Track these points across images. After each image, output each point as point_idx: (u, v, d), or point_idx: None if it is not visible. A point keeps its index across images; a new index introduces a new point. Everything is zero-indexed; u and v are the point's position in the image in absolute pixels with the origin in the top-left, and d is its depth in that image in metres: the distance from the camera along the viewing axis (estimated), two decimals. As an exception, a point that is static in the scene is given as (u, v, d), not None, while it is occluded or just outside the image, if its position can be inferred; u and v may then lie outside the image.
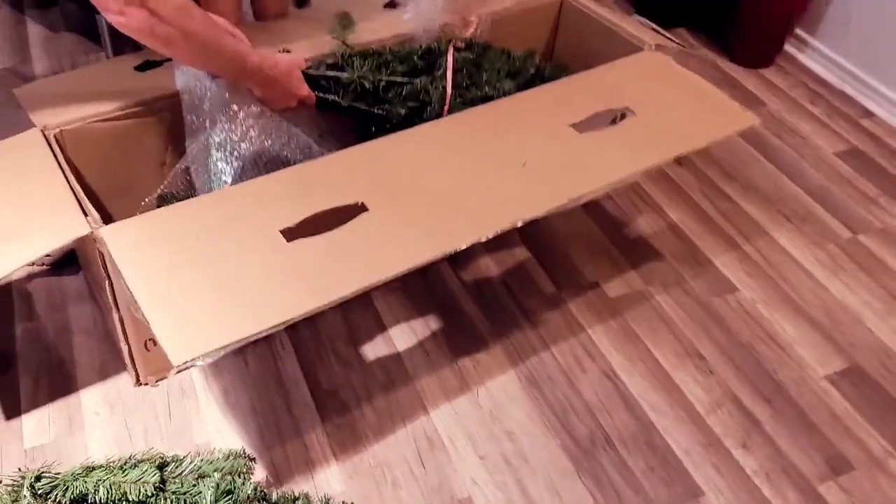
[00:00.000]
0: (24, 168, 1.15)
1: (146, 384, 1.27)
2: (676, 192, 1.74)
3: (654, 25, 1.62)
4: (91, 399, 1.25)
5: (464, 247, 1.09)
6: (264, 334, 0.95)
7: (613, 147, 1.27)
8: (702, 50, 2.22)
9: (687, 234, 1.63)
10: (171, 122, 1.34)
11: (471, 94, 1.39)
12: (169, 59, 1.38)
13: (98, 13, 1.97)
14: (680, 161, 1.79)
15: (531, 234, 1.59)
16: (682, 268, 1.55)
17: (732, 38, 2.21)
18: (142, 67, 1.37)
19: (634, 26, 1.57)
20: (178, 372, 1.28)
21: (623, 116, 1.36)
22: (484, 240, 1.10)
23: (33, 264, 1.41)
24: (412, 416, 1.26)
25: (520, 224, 1.13)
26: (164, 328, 0.94)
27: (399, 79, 1.36)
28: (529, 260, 1.55)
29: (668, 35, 1.57)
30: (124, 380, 1.28)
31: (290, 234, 1.07)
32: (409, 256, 1.06)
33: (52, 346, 1.32)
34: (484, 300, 1.46)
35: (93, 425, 1.21)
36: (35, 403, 1.24)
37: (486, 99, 1.38)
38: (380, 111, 1.35)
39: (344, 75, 1.32)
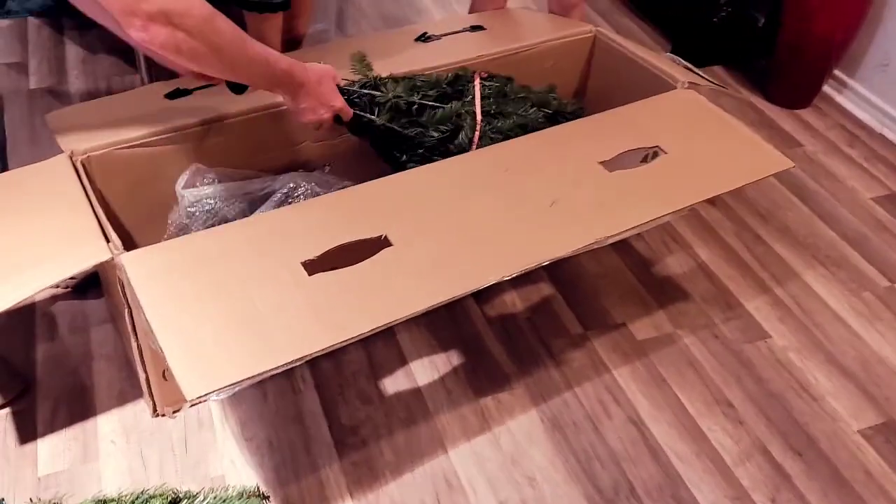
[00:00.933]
0: (50, 193, 1.16)
1: (163, 415, 1.25)
2: (708, 232, 1.70)
3: (688, 64, 1.60)
4: (108, 426, 1.23)
5: (487, 285, 1.06)
6: (282, 370, 0.94)
7: (643, 187, 1.24)
8: (737, 89, 2.19)
9: (718, 276, 1.59)
10: (197, 151, 1.34)
11: (499, 122, 1.38)
12: (200, 88, 1.39)
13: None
14: (712, 201, 1.75)
15: (558, 271, 1.56)
16: (713, 311, 1.51)
17: (769, 78, 2.18)
18: (171, 95, 1.38)
19: (668, 64, 1.55)
20: (194, 405, 1.27)
21: (654, 155, 1.34)
22: (508, 278, 1.08)
23: (57, 286, 1.42)
24: (431, 457, 1.23)
25: (546, 263, 1.11)
26: (179, 361, 0.92)
27: (432, 102, 1.35)
28: (556, 298, 1.52)
29: (701, 73, 1.55)
30: (142, 407, 1.26)
31: (312, 266, 1.05)
32: (432, 294, 1.04)
33: (73, 370, 1.32)
34: (508, 338, 1.43)
35: (108, 454, 1.20)
36: (52, 428, 1.23)
37: (517, 126, 1.37)
38: (413, 133, 1.33)
39: (379, 94, 1.31)
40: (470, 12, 1.82)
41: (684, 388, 1.36)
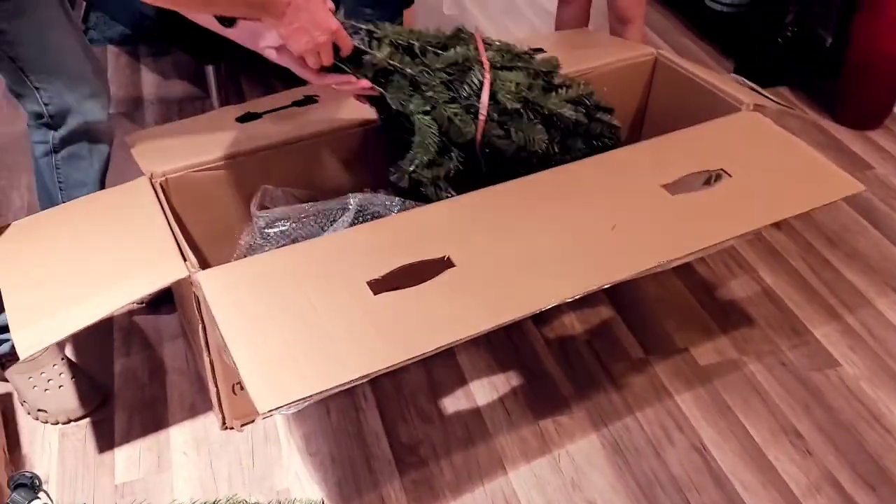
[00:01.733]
0: (131, 213, 1.22)
1: (231, 428, 1.29)
2: (773, 256, 1.67)
3: (753, 84, 1.58)
4: (180, 438, 1.28)
5: (549, 307, 1.07)
6: (348, 386, 0.96)
7: (706, 210, 1.23)
8: (804, 110, 2.16)
9: (784, 302, 1.56)
10: (267, 172, 1.39)
11: (510, 80, 1.27)
12: (269, 111, 1.44)
13: (206, 64, 2.10)
14: (778, 225, 1.72)
15: (618, 294, 1.56)
16: (779, 337, 1.48)
17: (837, 98, 2.14)
18: (242, 119, 1.44)
19: (732, 85, 1.54)
20: (264, 418, 1.30)
21: (718, 178, 1.33)
22: (569, 300, 1.08)
23: (134, 302, 1.48)
24: (491, 476, 1.24)
25: (607, 286, 1.11)
26: (252, 375, 0.96)
27: (433, 48, 1.25)
28: (616, 321, 1.52)
29: (767, 95, 1.53)
30: (212, 420, 1.31)
31: (377, 286, 1.08)
32: (494, 315, 1.06)
33: (147, 383, 1.37)
34: (567, 361, 1.43)
35: (180, 465, 1.24)
36: (128, 438, 1.28)
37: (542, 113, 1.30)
38: (417, 71, 1.22)
39: (377, 31, 1.22)
40: (556, 30, 1.84)
41: (750, 416, 1.33)
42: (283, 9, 1.06)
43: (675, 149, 1.39)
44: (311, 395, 0.94)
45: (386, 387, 1.37)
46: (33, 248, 1.18)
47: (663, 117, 1.68)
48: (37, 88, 1.25)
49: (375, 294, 1.07)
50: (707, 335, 1.48)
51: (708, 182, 1.33)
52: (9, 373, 1.32)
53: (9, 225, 1.23)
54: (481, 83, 1.24)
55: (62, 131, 1.30)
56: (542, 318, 1.51)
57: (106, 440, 1.28)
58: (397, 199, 1.42)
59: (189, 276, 1.09)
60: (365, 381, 0.97)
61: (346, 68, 1.19)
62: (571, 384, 1.39)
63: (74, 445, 1.27)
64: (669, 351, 1.45)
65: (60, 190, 1.35)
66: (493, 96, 1.24)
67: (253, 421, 1.30)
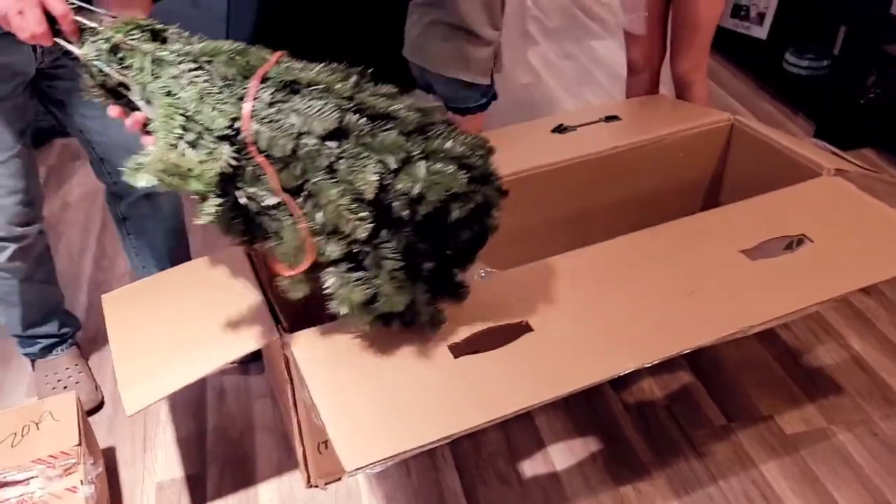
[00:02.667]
0: (227, 279, 1.30)
1: (316, 486, 1.34)
2: (861, 321, 1.63)
3: (834, 149, 1.58)
4: (267, 494, 1.33)
5: (626, 372, 1.08)
6: (432, 447, 0.99)
7: (788, 276, 1.23)
8: (891, 173, 2.11)
9: (874, 369, 1.51)
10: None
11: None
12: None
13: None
14: (867, 289, 1.68)
15: (698, 359, 1.55)
16: (870, 406, 1.43)
17: (925, 160, 2.09)
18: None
19: (812, 150, 1.54)
20: (350, 476, 1.34)
21: (799, 243, 1.32)
22: (648, 365, 1.09)
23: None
24: (569, 543, 1.24)
25: (685, 352, 1.12)
26: (340, 435, 1.00)
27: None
28: (696, 387, 1.50)
29: (849, 158, 1.52)
30: (297, 478, 1.36)
31: (458, 349, 1.12)
32: (572, 379, 1.08)
33: (237, 439, 1.44)
34: (647, 426, 1.43)
35: (266, 520, 1.29)
36: (219, 493, 1.34)
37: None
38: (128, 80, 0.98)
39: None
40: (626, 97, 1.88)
41: (840, 488, 1.29)
42: None
43: (754, 214, 1.39)
44: (395, 455, 0.98)
45: (465, 448, 1.39)
46: (139, 312, 1.27)
47: (741, 184, 1.68)
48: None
49: (456, 357, 1.10)
50: (793, 403, 1.45)
51: (789, 247, 1.32)
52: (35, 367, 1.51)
53: (117, 291, 1.33)
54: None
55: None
56: (620, 383, 1.51)
57: (199, 495, 1.34)
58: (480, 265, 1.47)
59: (280, 338, 1.16)
60: (447, 441, 0.99)
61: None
62: (651, 450, 1.38)
63: (170, 499, 1.33)
64: (753, 419, 1.42)
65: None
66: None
67: (337, 479, 1.34)
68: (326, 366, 1.10)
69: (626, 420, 1.44)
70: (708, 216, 1.47)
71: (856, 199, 1.39)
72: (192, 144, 0.93)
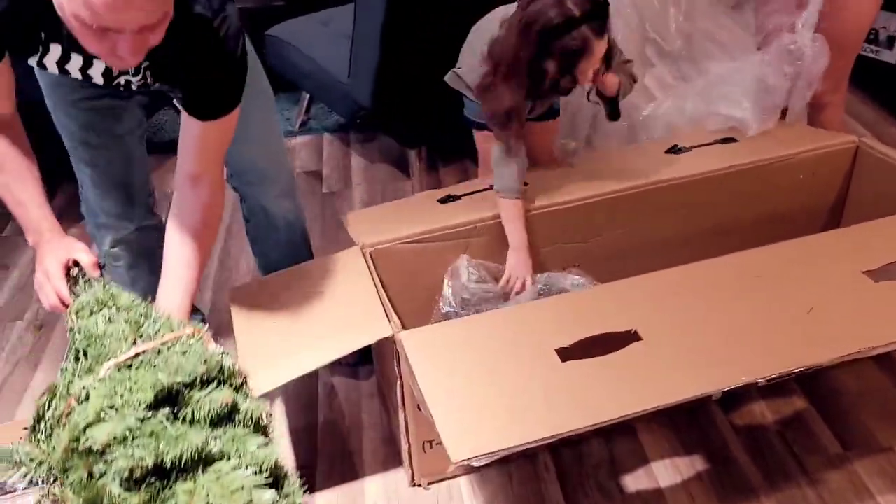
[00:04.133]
0: (345, 278, 1.37)
1: (419, 485, 1.37)
2: None
3: (969, 174, 1.50)
4: (372, 489, 1.37)
5: (738, 385, 1.06)
6: (535, 445, 1.01)
7: (916, 299, 1.18)
8: None
9: None
10: (463, 248, 1.51)
11: None
12: (469, 194, 1.57)
13: (410, 147, 2.29)
14: None
15: (813, 385, 1.49)
16: None
17: None
18: (443, 200, 1.58)
19: (944, 174, 1.47)
20: (452, 472, 1.36)
21: (928, 267, 1.26)
22: (760, 381, 1.07)
23: (338, 362, 1.62)
24: (672, 560, 1.21)
25: (800, 369, 1.09)
26: (446, 426, 1.03)
27: None
28: (811, 413, 1.44)
29: None
30: (402, 476, 1.39)
31: (565, 354, 1.13)
32: (680, 389, 1.07)
33: (346, 436, 1.49)
34: (757, 449, 1.38)
35: (371, 514, 1.34)
36: (328, 485, 1.39)
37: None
38: None
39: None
40: None
41: (968, 526, 1.21)
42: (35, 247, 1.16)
43: (879, 236, 1.34)
44: (500, 450, 1.00)
45: (567, 459, 1.39)
46: (262, 305, 1.35)
47: (865, 208, 1.62)
48: None
49: (563, 361, 1.12)
50: (916, 435, 1.38)
51: (917, 270, 1.27)
52: None
53: (243, 286, 1.42)
54: None
55: None
56: (730, 404, 1.47)
57: (308, 484, 1.38)
58: (585, 278, 1.48)
59: (393, 335, 1.20)
60: (550, 441, 1.01)
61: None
62: (761, 474, 1.33)
63: (281, 485, 1.40)
64: (871, 448, 1.36)
65: None
66: None
67: (441, 480, 1.37)
68: (436, 361, 1.14)
69: (736, 442, 1.40)
70: (829, 236, 1.43)
71: None
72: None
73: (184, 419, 0.91)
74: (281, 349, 1.25)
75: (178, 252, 1.17)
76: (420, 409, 1.19)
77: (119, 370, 0.96)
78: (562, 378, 1.09)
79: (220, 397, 0.93)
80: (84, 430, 0.87)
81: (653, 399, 1.06)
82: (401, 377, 1.25)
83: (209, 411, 0.92)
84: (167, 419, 0.90)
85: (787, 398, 1.48)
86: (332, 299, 1.33)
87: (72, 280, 1.14)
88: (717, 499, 1.30)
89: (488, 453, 1.00)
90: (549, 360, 1.12)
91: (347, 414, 1.54)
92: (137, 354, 0.98)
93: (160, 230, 1.24)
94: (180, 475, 0.86)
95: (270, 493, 0.86)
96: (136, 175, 1.42)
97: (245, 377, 1.05)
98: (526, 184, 1.51)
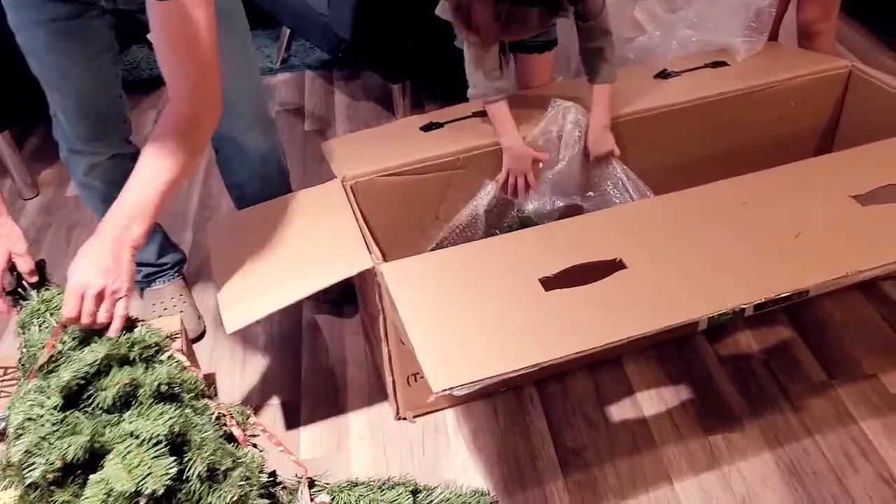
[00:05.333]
0: (325, 211, 1.34)
1: (404, 418, 1.37)
2: (983, 283, 1.52)
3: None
4: (357, 423, 1.37)
5: (723, 311, 1.05)
6: (518, 374, 1.00)
7: (902, 223, 1.16)
8: None
9: None
10: (447, 180, 1.47)
11: None
12: (452, 121, 1.53)
13: (394, 83, 2.23)
14: None
15: (800, 316, 1.48)
16: None
17: None
18: (426, 128, 1.53)
19: (937, 99, 1.44)
20: (437, 404, 1.36)
21: (919, 192, 1.24)
22: (746, 307, 1.05)
23: (320, 299, 1.61)
24: (656, 486, 1.22)
25: (785, 294, 1.07)
26: (428, 356, 1.01)
27: None
28: (796, 342, 1.44)
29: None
30: (387, 410, 1.39)
31: (549, 283, 1.11)
32: (665, 315, 1.05)
33: (330, 372, 1.48)
34: (741, 379, 1.38)
35: (357, 448, 1.33)
36: (312, 420, 1.39)
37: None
38: None
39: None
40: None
41: (950, 449, 1.22)
42: None
43: (868, 161, 1.32)
44: (482, 379, 0.99)
45: (553, 392, 1.39)
46: (241, 238, 1.32)
47: (857, 134, 1.59)
48: None
49: (547, 290, 1.10)
50: (901, 362, 1.38)
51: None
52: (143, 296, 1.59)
53: (222, 218, 1.39)
54: None
55: None
56: (715, 335, 1.46)
57: (293, 421, 1.39)
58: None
59: (373, 267, 1.18)
60: (535, 372, 0.99)
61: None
62: (745, 402, 1.34)
63: (266, 422, 1.39)
64: (856, 376, 1.36)
65: None
66: None
67: (426, 413, 1.36)
68: (417, 292, 1.12)
69: (720, 372, 1.40)
70: (817, 162, 1.41)
71: (984, 149, 1.30)
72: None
73: (92, 411, 0.91)
74: (259, 283, 1.22)
75: (151, 155, 1.09)
76: (403, 343, 1.17)
77: (45, 377, 0.96)
78: (545, 307, 1.08)
79: (118, 380, 0.92)
80: (11, 447, 0.89)
81: (637, 326, 1.04)
82: (383, 310, 1.24)
83: (109, 397, 0.91)
84: (83, 414, 0.91)
85: (773, 327, 1.47)
86: (312, 233, 1.31)
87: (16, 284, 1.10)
88: (701, 427, 1.30)
89: (470, 382, 0.98)
90: (532, 290, 1.10)
91: (331, 351, 1.52)
92: (52, 357, 0.97)
93: (136, 160, 1.20)
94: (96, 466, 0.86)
95: (168, 461, 0.85)
96: (107, 100, 1.37)
97: (175, 346, 1.05)
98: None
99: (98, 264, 1.02)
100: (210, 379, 1.48)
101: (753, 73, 1.62)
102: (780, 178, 1.29)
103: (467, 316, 1.07)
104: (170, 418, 0.88)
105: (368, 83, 2.44)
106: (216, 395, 1.33)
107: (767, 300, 1.08)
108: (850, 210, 1.19)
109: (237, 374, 1.49)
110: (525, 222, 1.52)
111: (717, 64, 1.67)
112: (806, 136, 1.69)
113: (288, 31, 2.52)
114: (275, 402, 1.43)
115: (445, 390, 0.98)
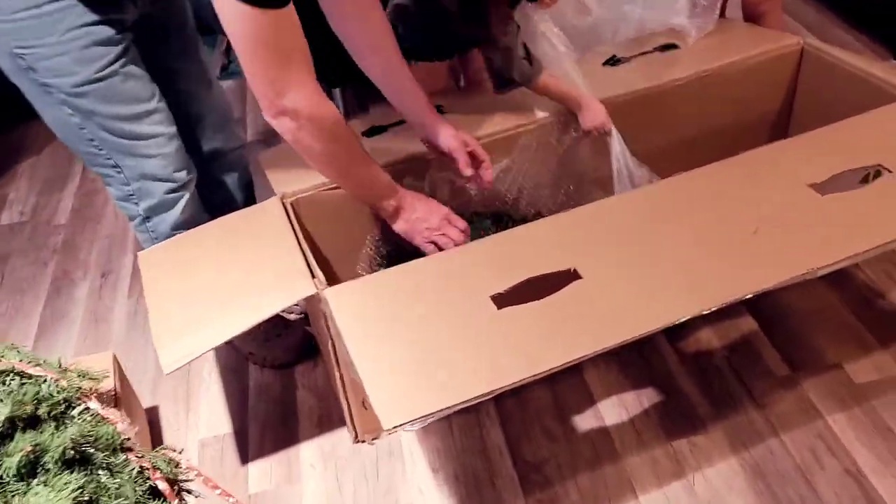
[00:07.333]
0: (264, 233, 1.26)
1: (363, 441, 1.30)
2: (942, 261, 1.51)
3: (917, 68, 1.43)
4: (308, 451, 1.31)
5: (683, 319, 1.01)
6: (472, 403, 0.94)
7: (862, 211, 1.12)
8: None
9: (955, 313, 1.40)
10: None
11: None
12: (394, 124, 1.46)
13: (332, 87, 2.15)
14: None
15: (761, 305, 1.45)
16: (950, 352, 1.33)
17: None
18: (368, 133, 1.46)
19: (890, 72, 1.40)
20: (390, 433, 1.30)
21: (876, 175, 1.20)
22: (706, 312, 1.01)
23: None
24: (619, 499, 1.18)
25: (748, 297, 1.03)
26: (378, 391, 0.95)
27: None
28: (758, 336, 1.41)
29: (933, 80, 1.38)
30: (338, 435, 1.33)
31: (501, 300, 1.05)
32: (622, 329, 1.00)
33: (279, 398, 1.41)
34: (704, 378, 1.35)
35: (308, 477, 1.27)
36: (261, 451, 1.32)
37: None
38: None
39: None
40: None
41: (915, 440, 1.20)
42: (400, 222, 1.22)
43: (825, 145, 1.27)
44: (435, 412, 0.93)
45: (510, 405, 1.34)
46: (175, 268, 1.23)
47: (813, 113, 1.56)
48: None
49: (499, 308, 1.04)
50: (864, 350, 1.35)
51: (864, 180, 1.21)
52: None
53: (153, 248, 1.30)
54: None
55: None
56: (676, 333, 1.43)
57: (241, 452, 1.32)
58: None
59: (317, 294, 1.11)
60: (489, 398, 0.94)
61: None
62: (708, 403, 1.30)
63: (212, 456, 1.32)
64: (820, 368, 1.33)
65: None
66: None
67: (381, 436, 1.31)
68: (364, 319, 1.05)
69: (682, 372, 1.36)
70: (772, 149, 1.36)
71: (939, 125, 1.27)
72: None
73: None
74: (195, 318, 1.14)
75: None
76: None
77: None
78: (499, 327, 1.02)
79: (20, 447, 0.83)
80: None
81: (594, 342, 0.99)
82: (332, 336, 1.17)
83: (13, 466, 0.82)
84: None
85: (735, 320, 1.44)
86: (251, 258, 1.22)
87: None
88: (664, 432, 1.26)
89: (423, 416, 0.93)
90: (484, 309, 1.04)
91: (280, 375, 1.45)
92: None
93: None
94: None
95: None
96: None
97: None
98: (440, 107, 1.39)
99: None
100: (153, 412, 1.40)
101: (706, 56, 1.57)
102: (736, 169, 1.24)
103: (419, 343, 1.01)
104: (77, 488, 0.80)
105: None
106: (157, 431, 1.26)
107: (725, 305, 1.03)
108: (809, 200, 1.15)
109: (182, 405, 1.42)
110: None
111: (667, 47, 1.61)
112: (762, 120, 1.66)
113: (226, 38, 2.41)
114: (222, 433, 1.36)
115: (397, 427, 0.92)
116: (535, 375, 0.96)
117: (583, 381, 1.36)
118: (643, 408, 1.31)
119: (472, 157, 1.26)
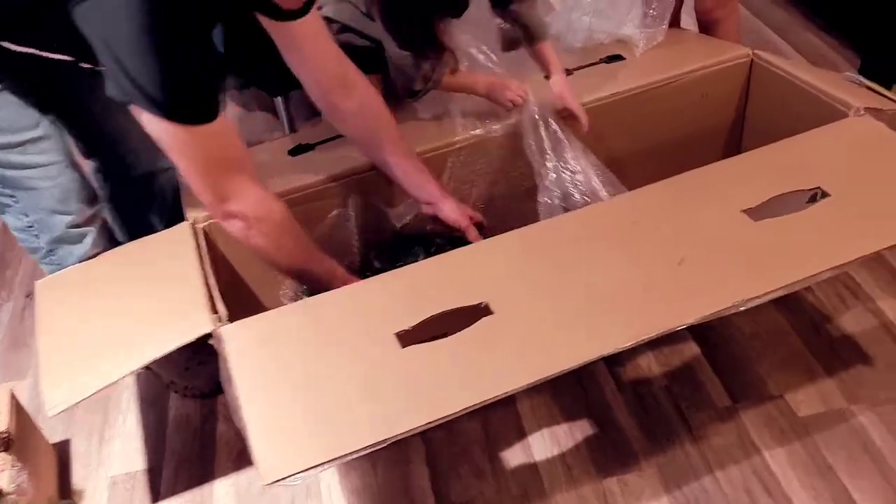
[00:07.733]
0: (168, 262, 1.19)
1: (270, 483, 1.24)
2: (896, 282, 1.44)
3: (871, 83, 1.36)
4: (222, 490, 1.25)
5: (596, 359, 0.94)
6: (366, 452, 0.88)
7: (796, 238, 1.06)
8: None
9: (908, 338, 1.33)
10: (317, 211, 1.34)
11: None
12: (322, 142, 1.40)
13: (276, 96, 2.08)
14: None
15: (704, 331, 1.39)
16: (899, 382, 1.26)
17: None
18: (294, 151, 1.39)
19: (842, 87, 1.34)
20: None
21: (814, 199, 1.14)
22: (623, 349, 0.95)
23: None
24: (545, 544, 1.12)
25: (668, 332, 0.97)
26: (261, 441, 0.90)
27: None
28: (700, 363, 1.35)
29: (889, 95, 1.31)
30: (255, 472, 1.26)
31: (406, 338, 0.99)
32: (535, 369, 0.94)
33: (197, 431, 1.35)
34: (642, 408, 1.28)
35: (221, 519, 1.21)
36: (174, 490, 1.26)
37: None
38: None
39: None
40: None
41: (856, 479, 1.13)
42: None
43: (762, 166, 1.21)
44: (321, 464, 0.87)
45: (438, 438, 1.28)
46: (71, 300, 1.17)
47: (763, 128, 1.50)
48: None
49: (404, 347, 0.98)
50: (809, 379, 1.29)
51: (802, 204, 1.14)
52: None
53: (51, 277, 1.24)
54: None
55: None
56: (615, 360, 1.36)
57: (153, 490, 1.26)
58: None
59: (213, 332, 1.05)
60: (383, 446, 0.88)
61: None
62: (644, 436, 1.24)
63: (122, 495, 1.26)
64: (762, 398, 1.27)
65: None
66: None
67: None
68: (257, 361, 0.99)
69: (619, 402, 1.30)
70: (709, 171, 1.29)
71: (886, 143, 1.20)
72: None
73: None
74: (87, 354, 1.08)
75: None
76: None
77: None
78: (402, 367, 0.95)
79: None
80: None
81: (502, 384, 0.93)
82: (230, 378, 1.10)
83: None
84: None
85: (677, 346, 1.38)
86: (153, 290, 1.16)
87: None
88: (595, 468, 1.20)
89: (307, 469, 0.87)
90: (387, 348, 0.97)
91: (200, 407, 1.39)
92: None
93: None
94: None
95: None
96: None
97: None
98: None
99: None
100: (64, 446, 1.34)
101: (652, 68, 1.51)
102: (673, 192, 1.17)
103: (315, 386, 0.94)
104: None
105: (259, 93, 2.28)
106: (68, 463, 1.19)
107: (644, 342, 0.97)
108: (741, 227, 1.08)
109: (95, 439, 1.36)
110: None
111: (612, 58, 1.55)
112: (713, 133, 1.59)
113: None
114: (135, 469, 1.30)
115: (277, 482, 0.86)
116: (435, 420, 0.90)
117: (515, 413, 1.30)
118: (575, 441, 1.25)
119: (477, 225, 1.29)
